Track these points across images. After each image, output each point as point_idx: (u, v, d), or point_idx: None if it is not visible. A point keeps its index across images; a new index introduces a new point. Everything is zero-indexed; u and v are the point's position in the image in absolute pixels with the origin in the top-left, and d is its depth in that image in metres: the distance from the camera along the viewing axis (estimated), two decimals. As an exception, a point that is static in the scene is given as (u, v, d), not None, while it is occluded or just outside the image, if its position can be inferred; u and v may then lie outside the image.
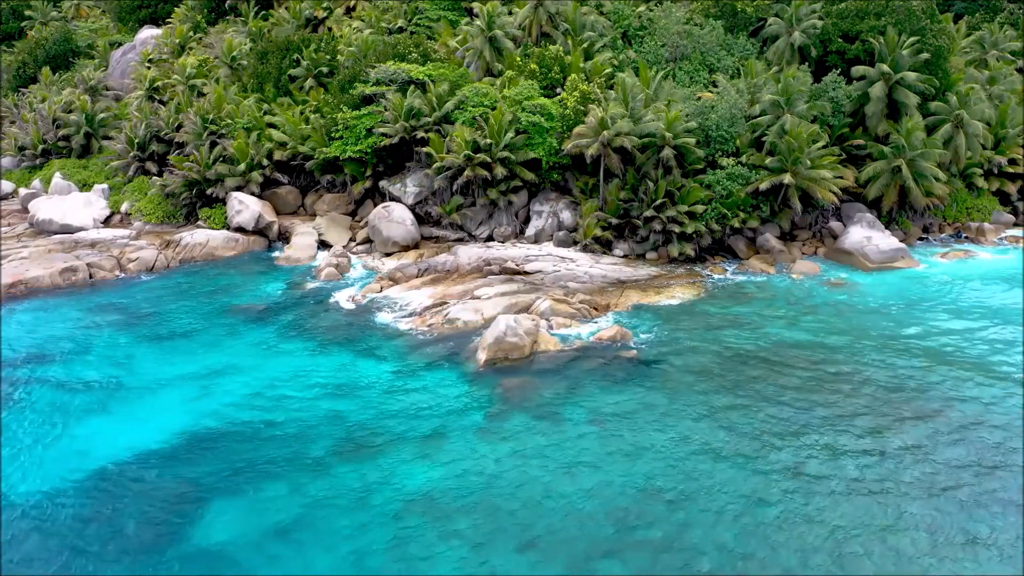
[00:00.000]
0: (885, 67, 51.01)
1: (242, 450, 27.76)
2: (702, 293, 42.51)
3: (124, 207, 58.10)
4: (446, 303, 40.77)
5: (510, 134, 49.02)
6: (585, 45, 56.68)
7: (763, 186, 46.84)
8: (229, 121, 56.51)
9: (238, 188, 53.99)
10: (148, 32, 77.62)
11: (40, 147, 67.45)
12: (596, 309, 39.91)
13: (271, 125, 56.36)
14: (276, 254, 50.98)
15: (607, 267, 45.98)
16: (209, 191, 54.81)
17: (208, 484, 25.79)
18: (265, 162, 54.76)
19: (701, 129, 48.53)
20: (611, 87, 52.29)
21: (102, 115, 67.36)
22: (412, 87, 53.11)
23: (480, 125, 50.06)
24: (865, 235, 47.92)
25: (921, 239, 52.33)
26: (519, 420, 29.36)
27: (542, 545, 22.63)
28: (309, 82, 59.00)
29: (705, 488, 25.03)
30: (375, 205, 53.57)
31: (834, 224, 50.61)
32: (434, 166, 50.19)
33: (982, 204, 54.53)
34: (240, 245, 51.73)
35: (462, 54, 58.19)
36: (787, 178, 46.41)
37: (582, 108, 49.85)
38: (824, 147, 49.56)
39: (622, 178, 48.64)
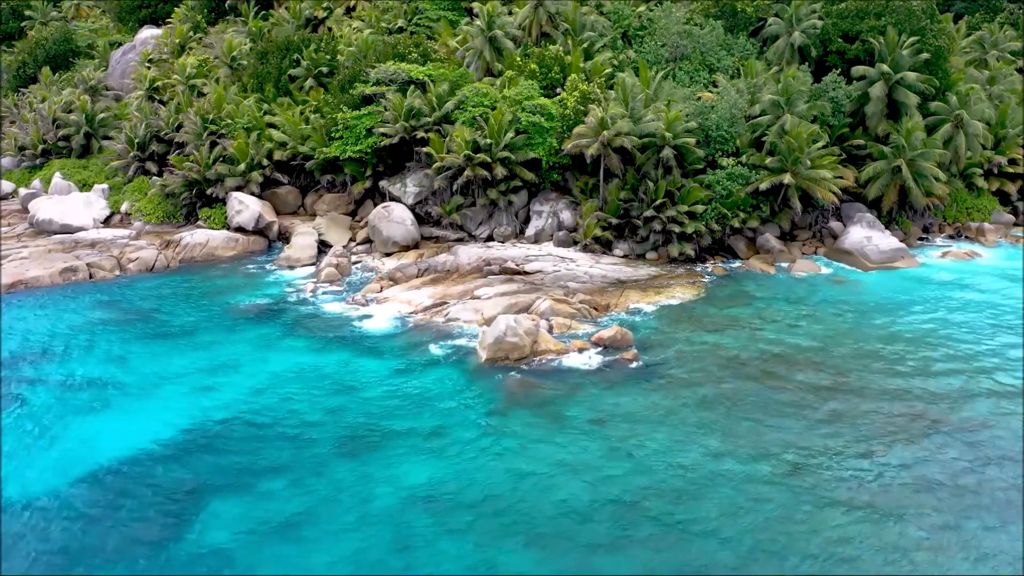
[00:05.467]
0: (885, 67, 51.05)
1: (243, 447, 27.75)
2: (702, 293, 42.52)
3: (124, 207, 58.12)
4: (446, 303, 40.79)
5: (510, 134, 49.03)
6: (585, 45, 56.69)
7: (763, 186, 46.85)
8: (229, 121, 56.52)
9: (238, 188, 54.00)
10: (148, 32, 77.64)
11: (40, 147, 67.50)
12: (596, 309, 39.90)
13: (271, 125, 56.36)
14: (276, 254, 50.96)
15: (607, 267, 45.99)
16: (209, 191, 54.82)
17: (209, 482, 25.78)
18: (265, 162, 54.76)
19: (701, 129, 48.55)
20: (611, 87, 52.31)
21: (102, 115, 67.39)
22: (412, 87, 53.13)
23: (480, 125, 50.07)
24: (865, 235, 47.94)
25: (921, 239, 52.35)
26: (520, 419, 29.37)
27: (544, 542, 22.63)
28: (309, 82, 59.01)
29: (705, 487, 25.03)
30: (375, 205, 53.58)
31: (834, 224, 50.63)
32: (434, 166, 50.20)
33: (982, 204, 54.57)
34: (240, 245, 51.74)
35: (462, 54, 58.20)
36: (787, 178, 46.43)
37: (582, 108, 49.86)
38: (824, 147, 49.58)
39: (622, 178, 48.65)
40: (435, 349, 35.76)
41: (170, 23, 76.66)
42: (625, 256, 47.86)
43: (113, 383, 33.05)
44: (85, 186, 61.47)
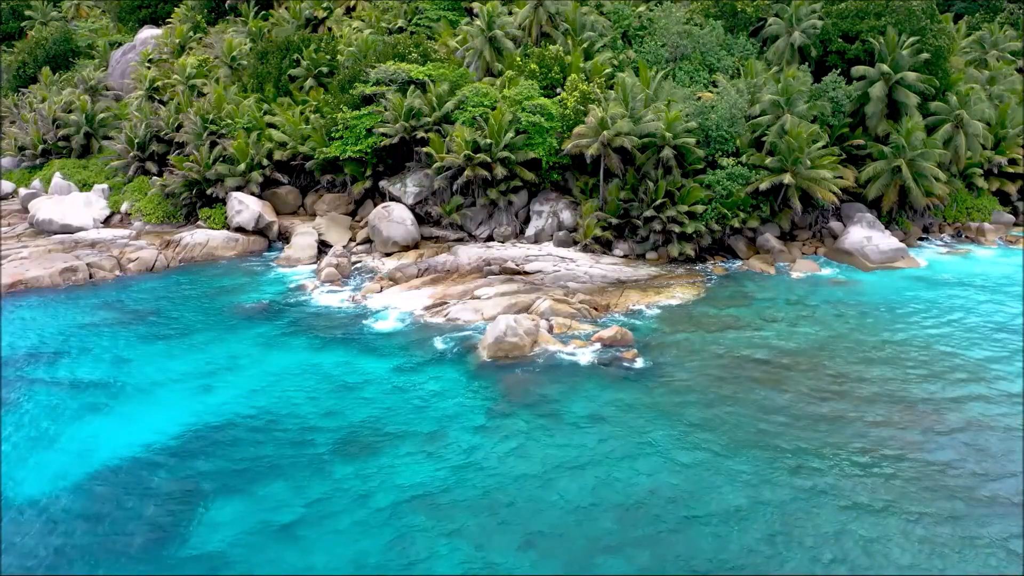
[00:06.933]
0: (885, 67, 51.05)
1: (243, 448, 27.75)
2: (702, 293, 42.52)
3: (124, 207, 58.13)
4: (446, 303, 40.79)
5: (510, 134, 49.03)
6: (585, 45, 56.69)
7: (763, 186, 46.86)
8: (229, 121, 56.53)
9: (238, 188, 54.01)
10: (148, 32, 77.67)
11: (40, 147, 67.53)
12: (596, 309, 39.90)
13: (271, 125, 56.37)
14: (276, 254, 50.99)
15: (607, 267, 45.99)
16: (209, 191, 54.84)
17: (209, 483, 25.77)
18: (265, 162, 54.77)
19: (701, 129, 48.56)
20: (611, 87, 52.31)
21: (102, 115, 67.42)
22: (412, 87, 53.13)
23: (480, 125, 50.07)
24: (865, 235, 47.94)
25: (921, 239, 52.36)
26: (520, 419, 29.36)
27: (543, 542, 22.63)
28: (309, 82, 59.03)
29: (705, 486, 25.02)
30: (375, 205, 53.59)
31: (834, 224, 50.64)
32: (434, 166, 50.20)
33: (982, 204, 54.58)
34: (240, 245, 51.74)
35: (462, 54, 58.21)
36: (787, 178, 46.43)
37: (582, 108, 49.87)
38: (824, 147, 49.59)
39: (622, 178, 48.65)
40: (435, 349, 35.75)
41: (170, 23, 76.71)
42: (625, 256, 47.86)
43: (113, 383, 33.05)
44: (85, 186, 61.48)
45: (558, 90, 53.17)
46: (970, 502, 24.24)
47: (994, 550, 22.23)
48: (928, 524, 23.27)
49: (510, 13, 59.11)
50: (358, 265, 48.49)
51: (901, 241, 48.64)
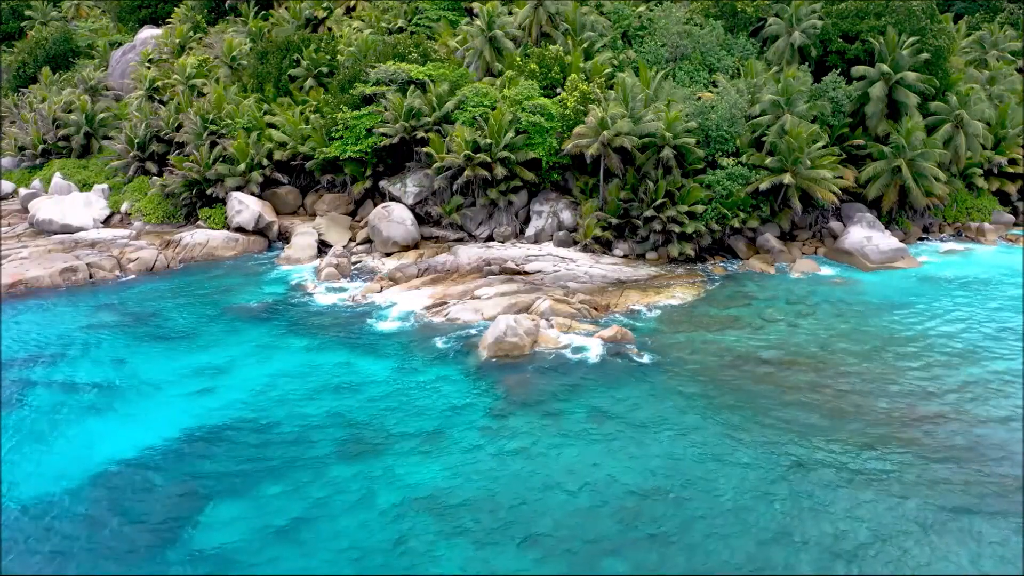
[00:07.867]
0: (885, 67, 51.06)
1: (243, 449, 27.75)
2: (702, 293, 42.52)
3: (124, 207, 58.13)
4: (446, 303, 40.80)
5: (510, 134, 49.03)
6: (585, 45, 56.69)
7: (763, 186, 46.86)
8: (229, 121, 56.53)
9: (238, 188, 54.01)
10: (148, 32, 77.68)
11: (40, 147, 67.53)
12: (596, 309, 39.91)
13: (271, 125, 56.38)
14: (276, 254, 50.98)
15: (607, 267, 45.99)
16: (209, 191, 54.84)
17: (209, 484, 25.78)
18: (265, 162, 54.77)
19: (701, 129, 48.56)
20: (611, 87, 52.32)
21: (102, 115, 67.42)
22: (412, 87, 53.13)
23: (480, 125, 50.07)
24: (865, 235, 47.95)
25: (921, 239, 52.38)
26: (520, 419, 29.36)
27: (545, 543, 22.62)
28: (309, 82, 59.03)
29: (706, 486, 25.02)
30: (375, 205, 53.60)
31: (834, 224, 50.64)
32: (434, 166, 50.20)
33: (982, 204, 54.60)
34: (240, 245, 51.74)
35: (462, 54, 58.21)
36: (787, 178, 46.44)
37: (582, 108, 49.87)
38: (824, 147, 49.60)
39: (622, 178, 48.65)
40: (435, 348, 35.76)
41: (170, 23, 76.71)
42: (625, 256, 47.86)
43: (113, 384, 33.04)
44: (85, 186, 61.48)
45: (558, 90, 53.17)
46: (971, 499, 24.24)
47: (994, 549, 22.23)
48: (929, 522, 23.26)
49: (510, 13, 59.12)
50: (358, 265, 48.49)
51: (901, 241, 48.67)
